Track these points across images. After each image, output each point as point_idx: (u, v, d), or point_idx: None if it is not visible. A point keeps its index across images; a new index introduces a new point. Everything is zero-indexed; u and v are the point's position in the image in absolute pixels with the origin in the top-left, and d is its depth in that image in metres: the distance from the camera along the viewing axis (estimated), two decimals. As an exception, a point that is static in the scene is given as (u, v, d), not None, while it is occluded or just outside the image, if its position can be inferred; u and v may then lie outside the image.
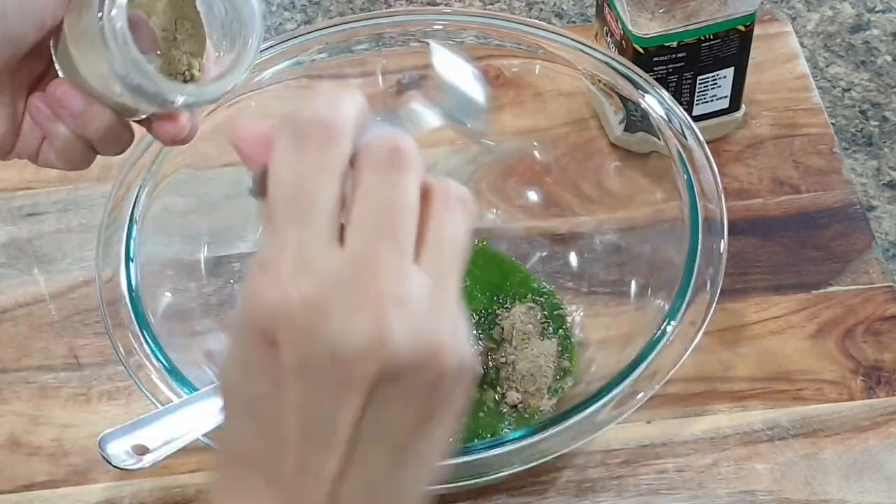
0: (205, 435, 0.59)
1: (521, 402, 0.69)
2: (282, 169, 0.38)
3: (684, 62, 0.76)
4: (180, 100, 0.50)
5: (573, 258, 0.76)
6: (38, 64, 0.52)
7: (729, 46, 0.76)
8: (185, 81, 0.52)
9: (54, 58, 0.51)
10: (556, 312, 0.73)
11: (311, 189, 0.38)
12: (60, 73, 0.51)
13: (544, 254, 0.76)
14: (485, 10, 0.94)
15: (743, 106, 0.81)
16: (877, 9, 0.94)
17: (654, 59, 0.76)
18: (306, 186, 0.38)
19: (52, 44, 0.51)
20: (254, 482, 0.39)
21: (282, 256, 0.37)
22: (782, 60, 0.86)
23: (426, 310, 0.37)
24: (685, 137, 0.69)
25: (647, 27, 0.74)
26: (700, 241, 0.65)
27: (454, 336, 0.38)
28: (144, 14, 0.53)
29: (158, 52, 0.53)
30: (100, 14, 0.48)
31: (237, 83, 0.52)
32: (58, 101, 0.51)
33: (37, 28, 0.49)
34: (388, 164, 0.38)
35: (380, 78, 0.79)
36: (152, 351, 0.63)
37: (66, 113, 0.51)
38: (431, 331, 0.37)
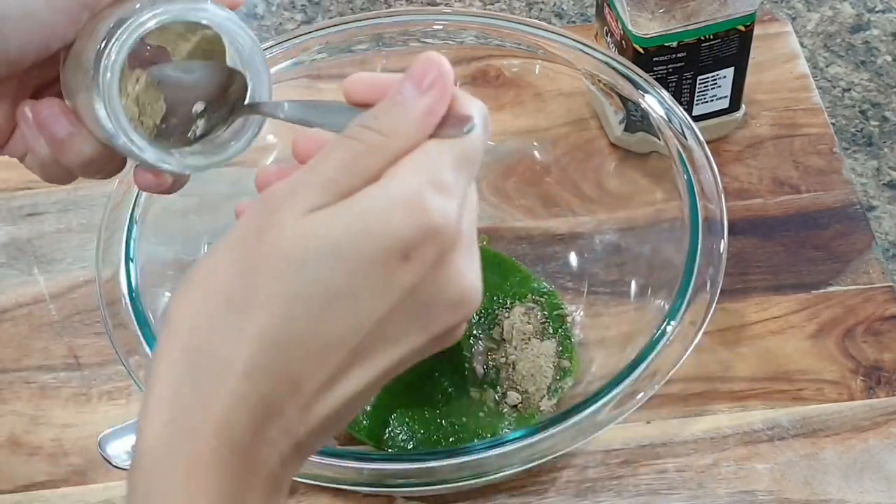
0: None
1: (521, 402, 0.69)
2: (480, 116, 0.43)
3: (684, 62, 0.76)
4: (164, 167, 0.49)
5: (573, 258, 0.76)
6: (49, 70, 0.50)
7: (729, 46, 0.76)
8: (187, 141, 0.51)
9: (61, 73, 0.50)
10: (556, 312, 0.73)
11: (482, 146, 0.43)
12: (63, 90, 0.50)
13: (544, 254, 0.76)
14: (485, 10, 0.94)
15: (743, 106, 0.81)
16: (877, 9, 0.94)
17: (654, 59, 0.76)
18: (483, 141, 0.43)
19: (62, 57, 0.49)
20: (283, 382, 0.40)
21: (457, 189, 0.41)
22: (782, 60, 0.86)
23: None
24: (685, 137, 0.69)
25: (647, 27, 0.74)
26: (700, 241, 0.65)
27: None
28: (168, 50, 0.51)
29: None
30: (94, 70, 0.46)
31: (225, 159, 0.51)
32: (42, 122, 0.50)
33: (39, 50, 0.48)
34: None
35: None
36: (152, 351, 0.63)
37: (47, 135, 0.50)
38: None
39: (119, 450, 0.57)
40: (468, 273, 0.42)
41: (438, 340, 0.43)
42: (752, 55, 0.79)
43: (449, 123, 0.42)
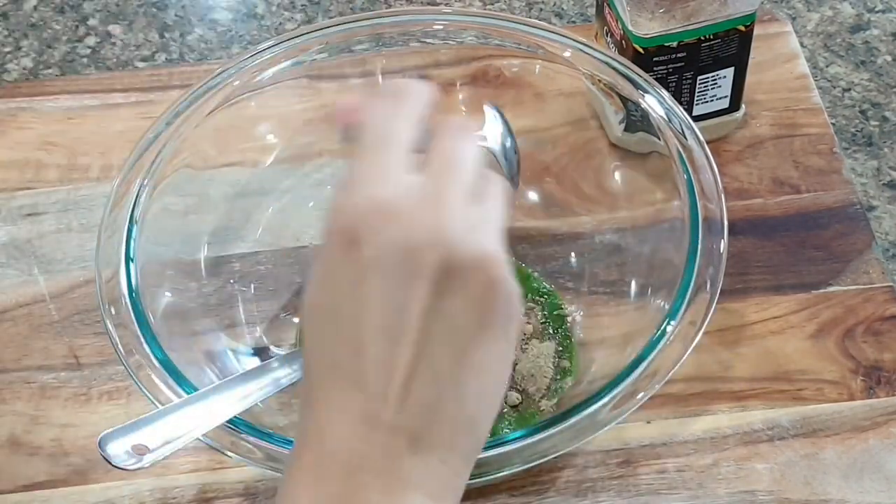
0: (205, 435, 0.59)
1: (521, 402, 0.69)
2: (373, 116, 0.47)
3: (684, 62, 0.76)
4: None
5: (573, 258, 0.76)
6: None
7: (729, 46, 0.76)
8: None
9: None
10: (556, 312, 0.73)
11: (392, 128, 0.46)
12: None
13: (544, 254, 0.76)
14: (485, 10, 0.94)
15: (743, 106, 0.81)
16: (877, 9, 0.94)
17: (654, 58, 0.76)
18: (389, 126, 0.46)
19: None
20: (339, 390, 0.44)
21: (365, 172, 0.45)
22: (782, 60, 0.86)
23: (479, 225, 0.45)
24: (685, 137, 0.69)
25: (647, 27, 0.75)
26: (700, 241, 0.65)
27: (502, 254, 0.45)
28: None
29: None
30: None
31: None
32: None
33: None
34: (455, 129, 0.47)
35: (380, 78, 0.79)
36: (152, 351, 0.63)
37: None
38: (484, 240, 0.44)
39: (119, 450, 0.57)
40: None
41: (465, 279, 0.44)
42: (752, 55, 0.79)
43: None
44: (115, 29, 0.96)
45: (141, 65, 0.93)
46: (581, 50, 0.73)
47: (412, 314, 0.43)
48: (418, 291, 0.43)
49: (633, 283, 0.72)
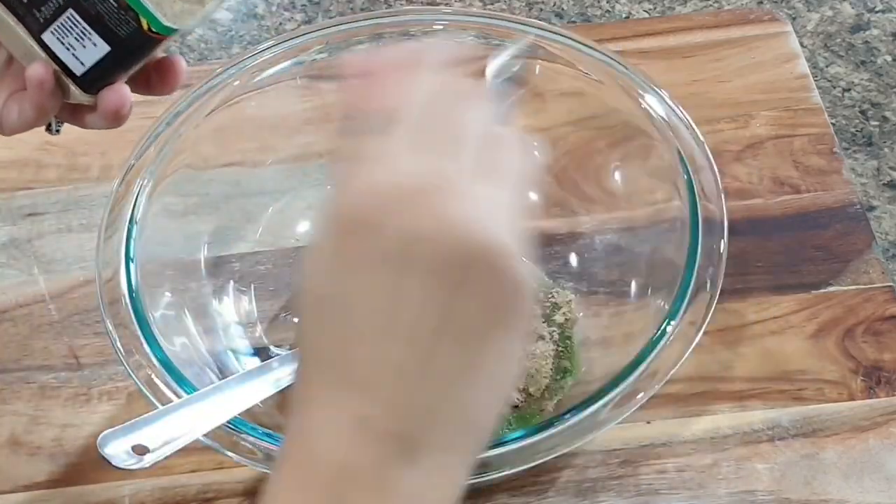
0: (205, 435, 0.59)
1: (521, 402, 0.69)
2: (411, 95, 0.44)
3: None
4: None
5: (573, 258, 0.76)
6: None
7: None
8: None
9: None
10: (556, 312, 0.73)
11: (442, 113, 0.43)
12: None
13: (544, 254, 0.76)
14: (485, 10, 0.94)
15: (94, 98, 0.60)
16: (877, 9, 0.94)
17: None
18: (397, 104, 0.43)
19: None
20: (331, 390, 0.40)
21: (368, 156, 0.41)
22: (782, 60, 0.86)
23: (488, 209, 0.40)
24: (685, 137, 0.69)
25: None
26: (700, 241, 0.65)
27: (511, 243, 0.40)
28: None
29: None
30: None
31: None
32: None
33: None
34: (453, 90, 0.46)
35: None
36: (152, 351, 0.63)
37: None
38: (492, 228, 0.40)
39: (119, 450, 0.57)
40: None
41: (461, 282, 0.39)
42: (752, 55, 0.78)
43: None
44: (115, 29, 0.96)
45: (141, 65, 0.93)
46: (581, 50, 0.73)
47: (413, 311, 0.39)
48: (420, 286, 0.39)
49: (633, 283, 0.72)
